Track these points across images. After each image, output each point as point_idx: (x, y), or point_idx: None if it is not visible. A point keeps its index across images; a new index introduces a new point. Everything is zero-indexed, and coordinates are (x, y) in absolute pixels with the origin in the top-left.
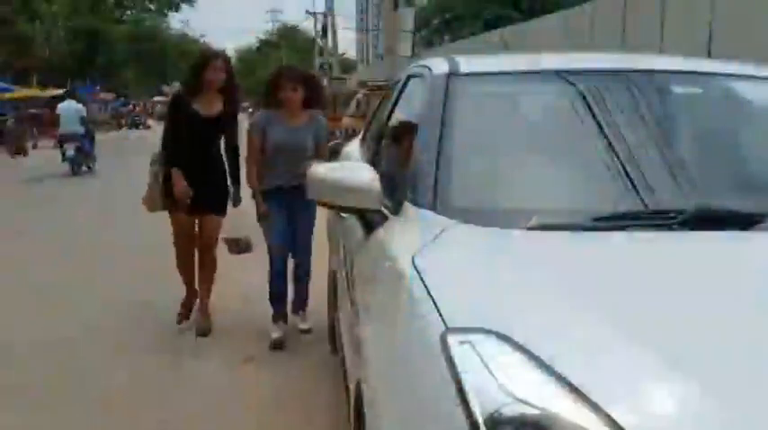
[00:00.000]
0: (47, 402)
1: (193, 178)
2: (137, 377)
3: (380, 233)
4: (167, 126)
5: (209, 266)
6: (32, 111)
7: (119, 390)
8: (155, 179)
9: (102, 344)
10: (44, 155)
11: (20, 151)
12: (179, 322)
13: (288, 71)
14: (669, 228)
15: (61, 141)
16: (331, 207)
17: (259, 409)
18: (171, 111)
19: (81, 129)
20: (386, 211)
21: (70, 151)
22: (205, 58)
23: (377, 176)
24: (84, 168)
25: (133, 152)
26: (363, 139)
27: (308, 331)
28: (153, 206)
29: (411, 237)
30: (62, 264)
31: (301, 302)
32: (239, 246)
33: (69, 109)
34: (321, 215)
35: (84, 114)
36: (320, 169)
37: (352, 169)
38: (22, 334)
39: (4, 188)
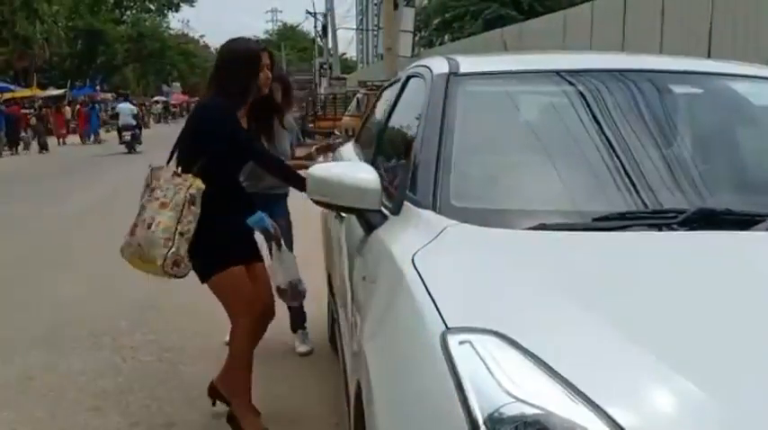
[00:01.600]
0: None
1: (241, 218)
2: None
3: (380, 233)
4: (217, 151)
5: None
6: (24, 111)
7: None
8: (185, 228)
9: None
10: (61, 150)
11: (43, 147)
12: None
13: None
14: (669, 227)
15: (120, 130)
16: (330, 207)
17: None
18: (221, 128)
19: (134, 122)
20: (386, 212)
21: (127, 137)
22: (257, 53)
23: (377, 176)
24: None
25: (154, 144)
26: (357, 140)
27: (307, 354)
28: (179, 269)
29: (411, 237)
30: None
31: (298, 320)
32: (294, 291)
33: (126, 108)
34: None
35: (136, 112)
36: (320, 168)
37: (353, 169)
38: None
39: (88, 160)
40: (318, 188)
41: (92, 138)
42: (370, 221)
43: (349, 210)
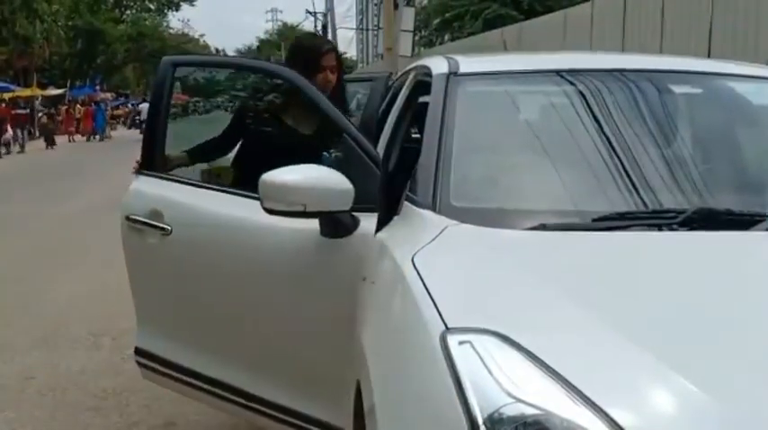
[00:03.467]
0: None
1: None
2: None
3: (380, 233)
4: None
5: None
6: (18, 111)
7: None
8: None
9: None
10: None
11: (51, 143)
12: None
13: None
14: (669, 227)
15: (140, 123)
16: (290, 215)
17: None
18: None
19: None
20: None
21: None
22: (318, 53)
23: (344, 177)
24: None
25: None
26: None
27: None
28: None
29: (411, 237)
30: None
31: None
32: None
33: (147, 108)
34: None
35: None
36: (276, 175)
37: (319, 172)
38: None
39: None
40: (279, 195)
41: (98, 136)
42: (343, 223)
43: (316, 215)
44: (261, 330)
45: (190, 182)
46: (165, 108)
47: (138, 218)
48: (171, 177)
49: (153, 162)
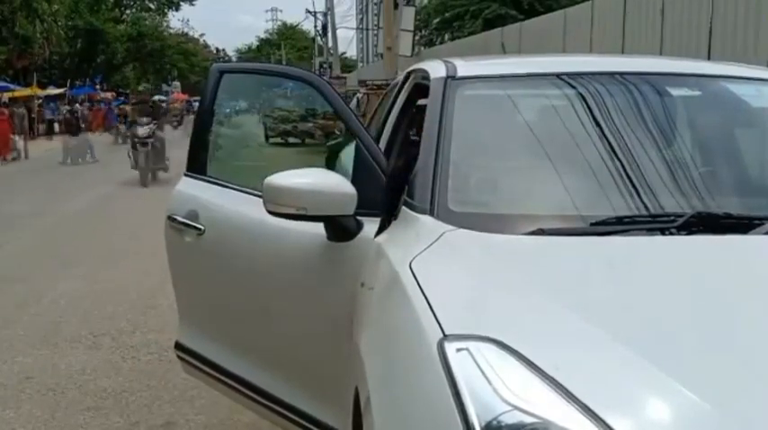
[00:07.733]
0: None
1: None
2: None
3: (378, 238)
4: None
5: None
6: (17, 110)
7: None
8: None
9: None
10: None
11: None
12: None
13: None
14: (668, 232)
15: (174, 115)
16: (293, 217)
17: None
18: None
19: (178, 113)
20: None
21: (177, 120)
22: None
23: (348, 181)
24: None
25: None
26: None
27: None
28: None
29: (408, 243)
30: None
31: None
32: None
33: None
34: None
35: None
36: (281, 178)
37: (323, 176)
38: None
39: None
40: (282, 198)
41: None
42: (347, 228)
43: (319, 219)
44: (277, 331)
45: (227, 185)
46: (210, 114)
47: (177, 217)
48: (211, 180)
49: (197, 164)
